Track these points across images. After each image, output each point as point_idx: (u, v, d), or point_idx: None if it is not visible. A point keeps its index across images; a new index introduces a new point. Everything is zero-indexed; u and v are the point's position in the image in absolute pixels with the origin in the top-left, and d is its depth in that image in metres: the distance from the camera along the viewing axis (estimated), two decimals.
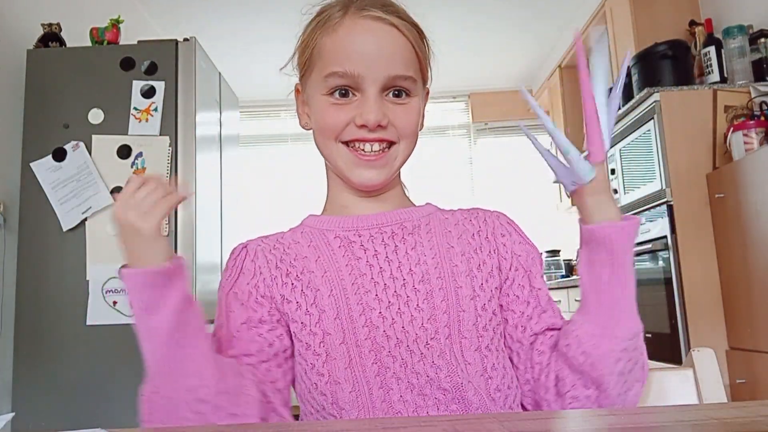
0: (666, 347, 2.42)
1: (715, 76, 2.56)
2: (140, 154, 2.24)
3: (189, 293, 0.63)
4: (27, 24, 2.47)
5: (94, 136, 2.25)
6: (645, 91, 2.52)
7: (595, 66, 0.65)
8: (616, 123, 2.88)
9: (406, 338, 0.67)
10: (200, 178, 2.33)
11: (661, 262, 2.49)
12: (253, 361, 0.69)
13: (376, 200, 0.77)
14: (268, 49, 4.04)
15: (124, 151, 2.24)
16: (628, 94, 2.81)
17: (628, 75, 2.83)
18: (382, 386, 0.66)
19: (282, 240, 0.76)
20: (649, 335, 2.51)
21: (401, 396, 0.66)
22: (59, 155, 2.24)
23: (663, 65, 2.63)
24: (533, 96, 4.88)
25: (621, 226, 0.64)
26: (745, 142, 2.24)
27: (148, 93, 2.28)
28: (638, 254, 2.69)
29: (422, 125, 0.79)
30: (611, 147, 0.68)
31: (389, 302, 0.69)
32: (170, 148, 2.24)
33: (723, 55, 2.57)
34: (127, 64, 2.30)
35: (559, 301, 3.68)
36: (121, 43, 2.45)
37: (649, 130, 2.54)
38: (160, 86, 2.28)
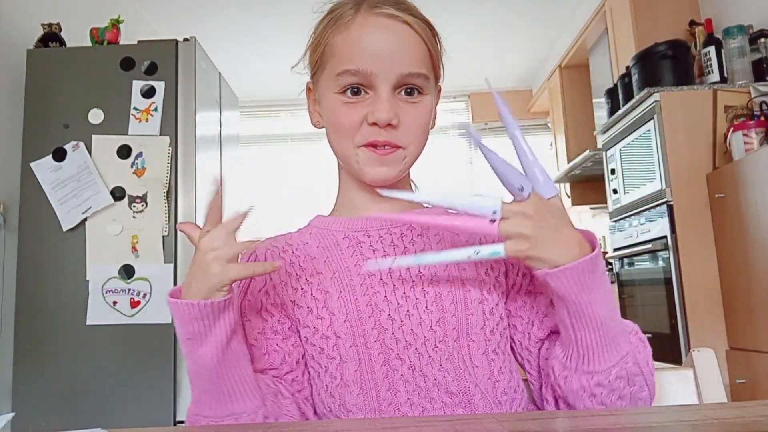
0: (666, 347, 2.42)
1: (715, 76, 2.56)
2: (140, 154, 2.24)
3: (236, 323, 0.62)
4: (27, 24, 2.47)
5: (94, 136, 2.25)
6: (645, 91, 2.52)
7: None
8: (617, 123, 2.88)
9: (414, 341, 0.67)
10: (200, 178, 2.33)
11: (661, 262, 2.49)
12: (280, 374, 0.69)
13: (386, 200, 0.76)
14: (268, 49, 4.04)
15: (124, 151, 2.24)
16: (628, 94, 2.81)
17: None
18: (389, 389, 0.66)
19: (290, 241, 0.76)
20: (649, 335, 2.51)
21: (408, 398, 0.66)
22: (59, 155, 2.24)
23: (663, 65, 2.62)
24: (533, 96, 4.88)
25: (554, 273, 0.58)
26: (745, 142, 2.24)
27: (148, 93, 2.28)
28: (638, 254, 2.69)
29: (434, 123, 0.78)
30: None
31: (398, 304, 0.69)
32: (170, 148, 2.24)
33: (723, 55, 2.57)
34: (127, 64, 2.30)
35: None
36: (121, 43, 2.45)
37: (649, 130, 2.54)
38: (160, 86, 2.28)
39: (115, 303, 2.15)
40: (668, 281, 2.42)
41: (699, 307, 2.32)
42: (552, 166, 4.50)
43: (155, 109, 2.27)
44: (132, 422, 2.09)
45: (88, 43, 2.44)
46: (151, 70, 2.30)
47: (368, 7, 0.71)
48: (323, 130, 0.79)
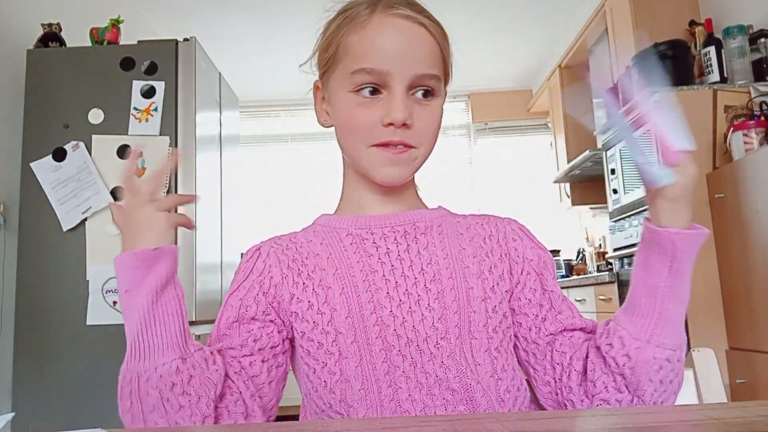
0: None
1: (715, 76, 2.56)
2: (140, 154, 2.24)
3: (172, 278, 0.63)
4: (27, 24, 2.47)
5: (94, 136, 2.25)
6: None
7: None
8: (612, 127, 2.89)
9: (416, 337, 0.68)
10: (200, 178, 2.33)
11: None
12: (236, 354, 0.69)
13: (392, 200, 0.77)
14: (268, 49, 4.04)
15: (124, 151, 2.24)
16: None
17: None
18: (391, 385, 0.66)
19: (294, 240, 0.76)
20: None
21: (410, 395, 0.66)
22: (59, 155, 2.24)
23: (663, 65, 2.62)
24: (533, 96, 4.88)
25: (688, 234, 0.62)
26: (745, 142, 2.24)
27: (148, 93, 2.28)
28: None
29: (440, 125, 0.79)
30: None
31: (400, 300, 0.69)
32: (170, 148, 2.24)
33: (723, 55, 2.57)
34: (127, 64, 2.30)
35: None
36: (121, 43, 2.45)
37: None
38: (160, 86, 2.28)
39: (115, 303, 2.15)
40: None
41: (699, 307, 2.32)
42: (552, 166, 4.50)
43: (155, 109, 2.27)
44: None
45: (88, 43, 2.44)
46: (151, 70, 2.30)
47: (384, 8, 0.72)
48: (325, 129, 0.79)
